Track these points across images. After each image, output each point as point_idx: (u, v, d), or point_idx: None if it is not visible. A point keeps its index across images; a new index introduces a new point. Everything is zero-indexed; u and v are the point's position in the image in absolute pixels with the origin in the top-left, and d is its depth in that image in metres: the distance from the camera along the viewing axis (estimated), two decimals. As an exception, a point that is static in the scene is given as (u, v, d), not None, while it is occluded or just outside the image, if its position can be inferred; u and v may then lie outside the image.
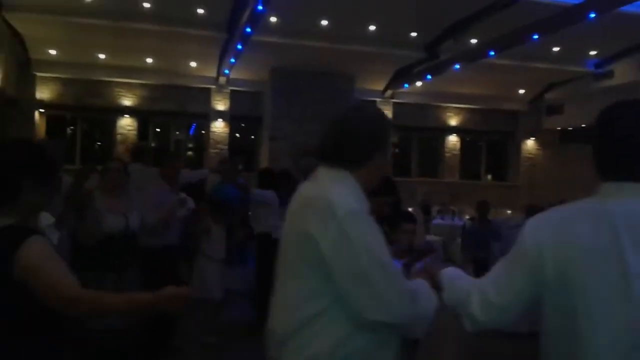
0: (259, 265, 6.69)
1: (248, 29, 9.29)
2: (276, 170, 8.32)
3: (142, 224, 4.08)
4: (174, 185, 5.19)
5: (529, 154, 16.19)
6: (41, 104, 12.91)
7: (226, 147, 13.95)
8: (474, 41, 11.26)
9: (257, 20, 8.98)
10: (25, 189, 1.91)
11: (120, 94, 13.51)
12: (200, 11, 10.17)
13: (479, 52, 10.87)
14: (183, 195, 5.16)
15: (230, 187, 6.04)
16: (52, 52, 12.14)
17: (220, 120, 13.89)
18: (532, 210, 6.60)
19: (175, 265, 5.14)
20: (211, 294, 5.54)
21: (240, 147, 14.78)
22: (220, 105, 13.89)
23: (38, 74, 12.76)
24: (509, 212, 13.87)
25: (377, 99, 14.74)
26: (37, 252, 1.80)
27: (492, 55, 10.43)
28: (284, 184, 7.27)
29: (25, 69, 12.32)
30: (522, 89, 14.94)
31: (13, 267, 1.76)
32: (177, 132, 14.65)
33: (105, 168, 4.08)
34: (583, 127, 14.55)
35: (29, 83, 12.61)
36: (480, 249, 6.90)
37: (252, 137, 14.88)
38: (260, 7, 8.33)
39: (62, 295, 1.77)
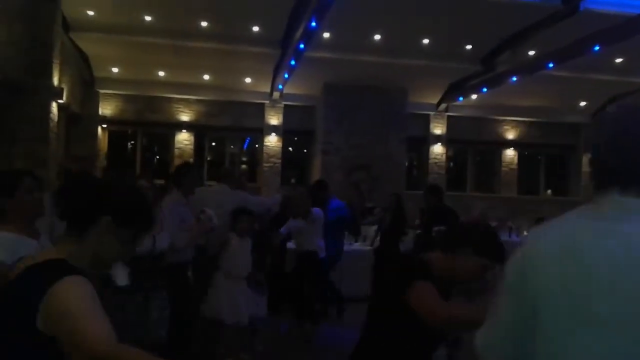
0: (300, 281, 6.65)
1: (301, 46, 9.39)
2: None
3: (170, 245, 4.09)
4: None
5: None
6: (104, 119, 13.45)
7: (279, 161, 14.10)
8: (532, 53, 10.98)
9: (310, 36, 9.07)
10: (101, 224, 1.65)
11: (179, 109, 13.92)
12: (256, 29, 10.37)
13: (537, 64, 10.59)
14: (209, 211, 4.86)
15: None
16: (115, 70, 12.65)
17: (273, 134, 14.06)
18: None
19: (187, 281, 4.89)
20: (228, 317, 4.96)
21: (293, 161, 14.92)
22: (274, 119, 14.07)
23: (101, 91, 13.31)
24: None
25: (431, 113, 14.59)
26: (70, 294, 1.45)
27: (551, 67, 10.12)
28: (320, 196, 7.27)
29: (89, 86, 12.89)
30: (584, 101, 14.42)
31: (37, 310, 1.43)
32: (232, 147, 14.93)
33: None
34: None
35: (93, 100, 13.17)
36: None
37: (305, 150, 14.99)
38: (314, 24, 8.41)
39: (91, 350, 1.39)
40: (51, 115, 9.05)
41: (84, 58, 11.82)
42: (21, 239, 2.43)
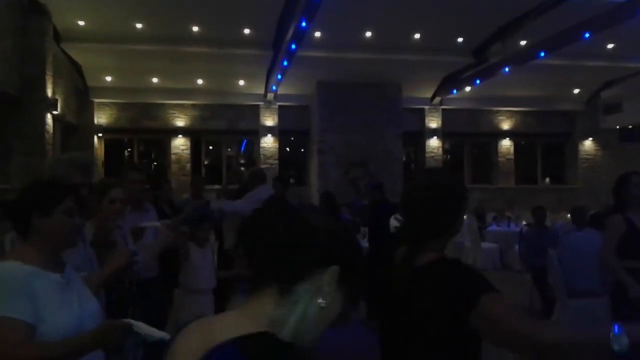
0: None
1: (293, 46, 9.41)
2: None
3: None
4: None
5: (588, 154, 15.60)
6: (99, 128, 13.46)
7: (276, 161, 14.12)
8: (523, 43, 11.01)
9: (301, 36, 9.08)
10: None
11: (174, 115, 13.93)
12: (247, 31, 10.39)
13: (529, 54, 10.60)
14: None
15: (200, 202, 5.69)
16: (108, 78, 12.66)
17: (269, 135, 14.08)
18: (577, 211, 6.31)
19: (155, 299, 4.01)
20: None
21: (290, 161, 14.95)
22: (269, 121, 14.09)
23: (95, 100, 13.31)
24: (568, 216, 13.40)
25: (426, 107, 14.62)
26: None
27: (542, 56, 10.15)
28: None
29: (83, 96, 12.90)
30: (577, 88, 14.46)
31: None
32: (229, 149, 14.95)
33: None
34: (644, 124, 14.00)
35: (88, 109, 13.18)
36: (537, 257, 6.67)
37: (302, 150, 15.01)
38: (304, 24, 8.43)
39: None
40: (46, 127, 9.07)
41: (77, 68, 11.83)
42: (38, 274, 1.81)
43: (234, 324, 0.98)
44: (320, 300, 1.01)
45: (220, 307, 4.49)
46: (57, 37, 9.99)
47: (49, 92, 9.20)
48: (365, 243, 9.55)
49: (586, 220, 6.08)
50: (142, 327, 1.82)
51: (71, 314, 1.84)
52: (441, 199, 1.69)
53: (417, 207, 1.70)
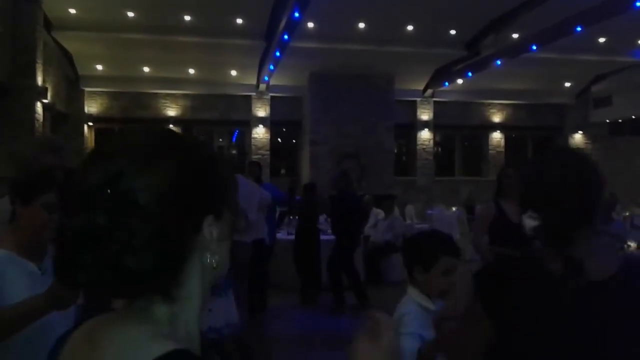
0: (252, 276, 6.10)
1: (285, 37, 9.39)
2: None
3: None
4: None
5: (577, 148, 15.72)
6: (90, 117, 13.38)
7: (268, 152, 14.11)
8: (515, 36, 11.04)
9: (294, 27, 9.06)
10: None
11: (165, 105, 13.86)
12: (239, 21, 10.34)
13: (521, 47, 10.65)
14: None
15: None
16: (99, 67, 12.56)
17: (261, 126, 14.06)
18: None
19: None
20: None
21: (281, 152, 14.94)
22: (261, 111, 14.06)
23: (86, 89, 13.22)
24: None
25: (418, 99, 14.65)
26: None
27: (534, 50, 10.19)
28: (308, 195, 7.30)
29: (74, 84, 12.80)
30: (568, 82, 14.54)
31: None
32: (220, 140, 14.92)
33: None
34: (633, 118, 14.07)
35: (78, 98, 13.08)
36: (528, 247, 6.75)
37: (294, 141, 15.00)
38: (296, 15, 8.40)
39: None
40: (36, 115, 9.00)
41: (67, 56, 11.72)
42: (11, 259, 1.83)
43: (124, 337, 0.76)
44: (209, 261, 0.81)
45: None
46: (48, 25, 9.90)
47: (39, 81, 9.12)
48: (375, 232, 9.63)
49: None
50: None
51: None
52: (584, 177, 1.38)
53: (559, 191, 1.37)
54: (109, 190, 0.71)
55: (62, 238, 0.73)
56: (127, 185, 0.71)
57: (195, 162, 0.79)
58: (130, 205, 0.71)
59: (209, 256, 0.81)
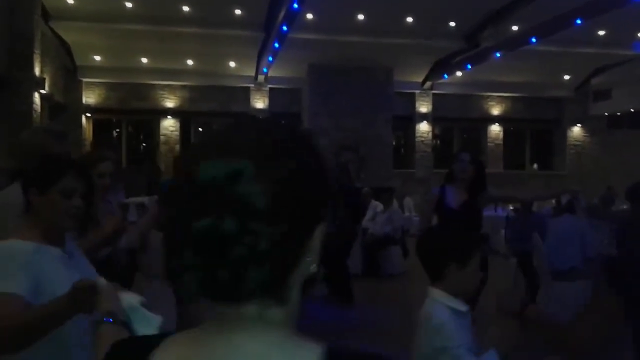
0: None
1: (284, 28, 9.35)
2: None
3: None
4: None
5: (576, 141, 15.73)
6: (88, 108, 13.35)
7: (267, 144, 14.09)
8: (514, 28, 11.02)
9: (293, 18, 9.03)
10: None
11: (163, 96, 13.83)
12: (238, 12, 10.30)
13: (520, 39, 10.63)
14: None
15: None
16: (97, 58, 12.52)
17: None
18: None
19: None
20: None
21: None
22: (260, 103, 14.04)
23: (84, 79, 13.18)
24: (554, 201, 13.53)
25: (416, 91, 14.63)
26: None
27: (534, 42, 10.17)
28: None
29: (71, 75, 12.76)
30: (567, 75, 14.52)
31: None
32: (219, 132, 14.88)
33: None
34: (632, 111, 14.07)
35: (76, 89, 13.05)
36: (523, 241, 6.76)
37: (292, 133, 14.98)
38: (295, 6, 8.37)
39: None
40: (34, 106, 8.98)
41: (65, 47, 11.67)
42: (39, 249, 1.71)
43: (252, 348, 0.72)
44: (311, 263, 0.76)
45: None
46: (46, 15, 9.85)
47: (37, 71, 9.09)
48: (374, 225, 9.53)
49: (562, 207, 6.14)
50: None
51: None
52: None
53: None
54: (232, 191, 0.66)
55: (176, 239, 0.68)
56: (250, 186, 0.66)
57: (313, 161, 0.74)
58: (255, 208, 0.66)
59: (311, 258, 0.75)
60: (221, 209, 0.65)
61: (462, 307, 1.93)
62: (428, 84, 14.43)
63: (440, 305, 1.93)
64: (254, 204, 0.66)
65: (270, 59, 11.46)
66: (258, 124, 0.77)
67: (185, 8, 10.11)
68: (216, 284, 0.67)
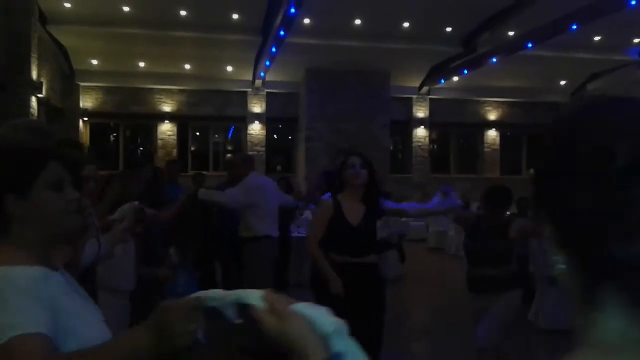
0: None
1: (282, 32, 9.37)
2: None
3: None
4: None
5: (572, 146, 15.77)
6: (85, 112, 13.34)
7: (263, 148, 14.10)
8: (511, 33, 11.06)
9: (290, 23, 9.04)
10: None
11: (160, 100, 13.83)
12: (235, 16, 10.32)
13: (516, 44, 10.67)
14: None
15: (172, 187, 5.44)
16: (94, 62, 12.52)
17: (257, 122, 14.05)
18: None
19: None
20: None
21: (277, 148, 14.93)
22: (257, 107, 14.05)
23: (81, 83, 13.18)
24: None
25: (413, 96, 14.66)
26: None
27: (530, 47, 10.22)
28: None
29: (69, 79, 12.75)
30: (564, 80, 14.58)
31: None
32: (216, 136, 14.89)
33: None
34: (628, 117, 14.13)
35: (73, 93, 13.04)
36: (520, 246, 6.76)
37: (290, 137, 15.00)
38: (293, 10, 8.39)
39: None
40: (31, 110, 8.97)
41: (62, 51, 11.67)
42: (47, 275, 1.24)
43: None
44: None
45: (140, 312, 3.38)
46: (43, 19, 9.85)
47: (34, 75, 9.08)
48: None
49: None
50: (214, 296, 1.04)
51: (93, 320, 1.31)
52: None
53: None
54: None
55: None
56: None
57: None
58: None
59: None
60: None
61: None
62: (425, 88, 14.46)
63: None
64: None
65: (268, 63, 11.48)
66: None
67: (183, 12, 10.12)
68: None
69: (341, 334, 0.81)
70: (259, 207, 4.91)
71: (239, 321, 0.94)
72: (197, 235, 5.25)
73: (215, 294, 1.03)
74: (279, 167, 14.51)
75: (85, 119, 13.46)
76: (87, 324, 1.22)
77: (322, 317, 0.82)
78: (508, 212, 10.14)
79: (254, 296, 0.89)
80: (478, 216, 3.92)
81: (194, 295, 1.06)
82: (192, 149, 14.62)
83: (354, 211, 3.36)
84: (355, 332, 0.81)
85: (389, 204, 3.73)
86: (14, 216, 1.24)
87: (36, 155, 1.31)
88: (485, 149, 15.54)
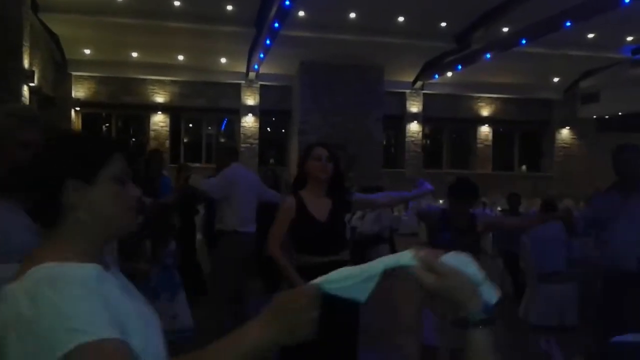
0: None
1: (276, 25, 9.34)
2: None
3: None
4: None
5: (564, 143, 15.85)
6: (77, 102, 13.25)
7: (257, 141, 14.08)
8: (505, 30, 11.08)
9: (284, 15, 9.02)
10: None
11: (153, 91, 13.76)
12: (229, 8, 10.27)
13: (510, 41, 10.69)
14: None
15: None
16: (87, 51, 12.43)
17: (250, 115, 14.01)
18: (547, 205, 6.23)
19: None
20: None
21: (270, 141, 14.92)
22: (250, 100, 14.01)
23: (73, 73, 13.08)
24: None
25: (407, 91, 14.67)
26: None
27: (524, 44, 10.24)
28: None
29: (61, 68, 12.65)
30: (557, 77, 14.63)
31: None
32: (209, 128, 14.85)
33: None
34: (620, 115, 14.20)
35: (65, 82, 12.94)
36: (510, 243, 6.80)
37: (283, 130, 14.97)
38: (287, 2, 8.36)
39: None
40: (22, 99, 8.89)
41: (55, 39, 11.57)
42: (103, 276, 1.09)
43: None
44: None
45: None
46: (35, 7, 9.75)
47: (26, 64, 9.00)
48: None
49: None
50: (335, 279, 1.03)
51: (150, 322, 1.14)
52: None
53: None
54: None
55: None
56: None
57: None
58: None
59: None
60: None
61: None
62: (419, 83, 14.48)
63: None
64: None
65: (262, 55, 11.44)
66: None
67: (177, 3, 10.05)
68: None
69: (486, 281, 0.97)
70: (233, 200, 4.76)
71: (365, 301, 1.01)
72: (173, 229, 5.15)
73: (340, 275, 1.03)
74: (271, 160, 14.49)
75: (78, 108, 13.37)
76: (145, 327, 1.08)
77: (471, 268, 0.97)
78: (499, 209, 10.18)
79: (405, 258, 0.99)
80: (443, 210, 3.88)
81: (313, 281, 1.05)
82: (185, 140, 14.57)
83: (319, 206, 3.08)
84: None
85: (357, 196, 3.50)
86: (69, 207, 1.08)
87: (104, 143, 1.17)
88: (478, 145, 15.58)
